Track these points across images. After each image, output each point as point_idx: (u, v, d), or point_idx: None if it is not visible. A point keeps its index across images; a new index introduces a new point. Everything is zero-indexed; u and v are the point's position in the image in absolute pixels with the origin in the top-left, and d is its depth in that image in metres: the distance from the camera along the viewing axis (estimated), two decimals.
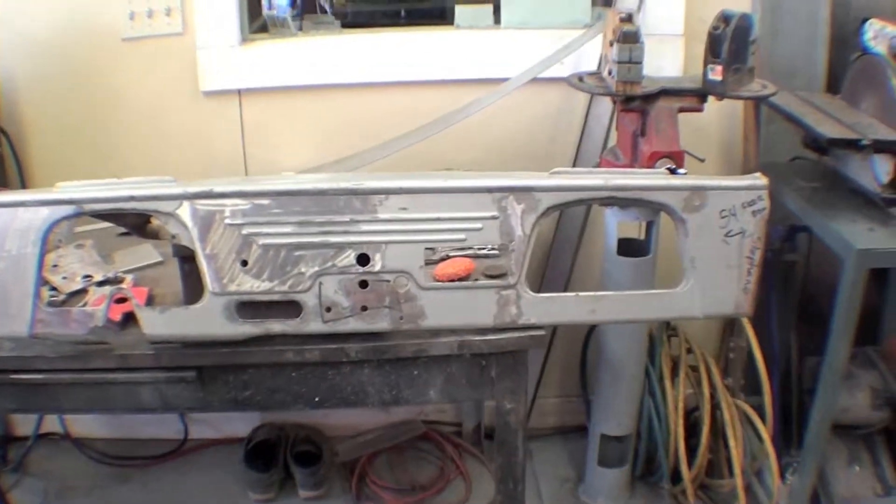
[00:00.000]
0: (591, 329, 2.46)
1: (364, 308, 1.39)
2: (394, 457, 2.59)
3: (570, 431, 2.70)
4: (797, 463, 2.24)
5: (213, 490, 2.46)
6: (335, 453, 2.54)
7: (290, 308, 1.37)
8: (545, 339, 1.43)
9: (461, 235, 1.38)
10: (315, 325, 1.39)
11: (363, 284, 1.37)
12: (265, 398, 1.50)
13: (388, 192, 1.34)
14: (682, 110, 1.82)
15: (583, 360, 2.52)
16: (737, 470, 2.20)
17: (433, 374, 1.51)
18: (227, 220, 1.31)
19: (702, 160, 1.96)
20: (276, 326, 1.38)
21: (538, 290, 1.42)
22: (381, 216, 1.34)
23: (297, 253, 1.34)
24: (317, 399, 1.51)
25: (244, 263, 1.33)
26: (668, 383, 2.28)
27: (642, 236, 2.04)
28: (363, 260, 1.36)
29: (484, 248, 1.62)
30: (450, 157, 2.25)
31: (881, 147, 1.84)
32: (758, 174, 1.39)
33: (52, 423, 2.59)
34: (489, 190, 1.36)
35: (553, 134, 2.33)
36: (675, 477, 2.33)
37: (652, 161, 1.78)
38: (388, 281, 1.38)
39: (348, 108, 2.28)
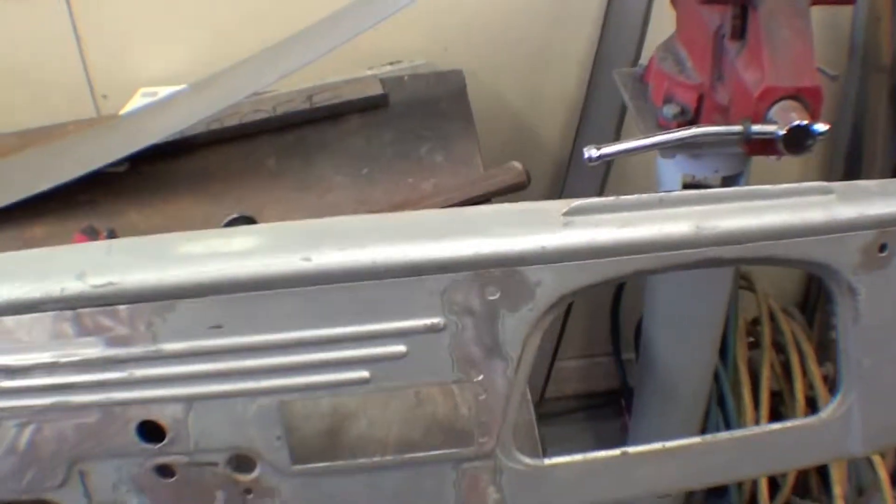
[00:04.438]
0: (621, 287, 1.70)
1: None
2: None
3: (598, 406, 1.97)
4: None
5: None
6: None
7: None
8: None
9: (358, 373, 0.61)
10: None
11: (165, 471, 0.65)
12: None
13: (156, 297, 0.58)
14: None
15: (614, 317, 1.77)
16: (836, 493, 1.49)
17: None
18: None
19: (834, 77, 1.09)
20: None
21: None
22: (166, 347, 0.58)
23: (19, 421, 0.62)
24: None
25: None
26: (745, 390, 1.54)
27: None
28: (153, 432, 0.63)
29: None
30: (398, 49, 1.42)
31: None
32: None
33: None
34: (413, 270, 0.58)
35: (558, 10, 1.47)
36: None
37: (765, 102, 0.90)
38: (215, 465, 0.64)
39: None
